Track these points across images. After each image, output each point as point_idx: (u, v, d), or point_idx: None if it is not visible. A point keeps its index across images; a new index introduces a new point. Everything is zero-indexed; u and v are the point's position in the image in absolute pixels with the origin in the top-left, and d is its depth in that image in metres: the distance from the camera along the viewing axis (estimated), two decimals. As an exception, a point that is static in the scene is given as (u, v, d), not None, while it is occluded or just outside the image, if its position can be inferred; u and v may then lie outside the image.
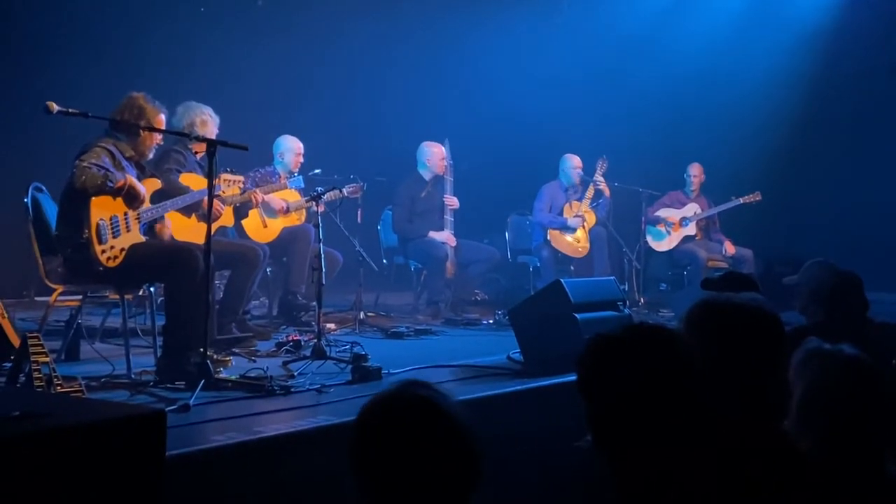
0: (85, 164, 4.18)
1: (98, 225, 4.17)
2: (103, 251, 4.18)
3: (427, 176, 7.36)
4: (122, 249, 4.26)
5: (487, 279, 8.06)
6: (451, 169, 7.44)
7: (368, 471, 1.69)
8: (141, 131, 4.41)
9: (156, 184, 4.59)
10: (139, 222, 4.37)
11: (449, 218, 7.33)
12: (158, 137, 4.53)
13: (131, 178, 4.29)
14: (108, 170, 4.24)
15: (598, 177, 7.72)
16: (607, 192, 7.78)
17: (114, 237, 4.23)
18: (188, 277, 4.13)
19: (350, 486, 1.74)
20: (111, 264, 4.22)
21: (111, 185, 4.19)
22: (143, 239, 4.41)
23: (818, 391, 2.09)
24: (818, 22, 9.53)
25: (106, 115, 4.39)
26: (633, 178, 8.17)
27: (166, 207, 4.61)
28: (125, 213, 4.31)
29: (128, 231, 4.30)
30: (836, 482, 1.91)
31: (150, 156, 4.62)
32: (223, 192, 5.15)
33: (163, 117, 4.54)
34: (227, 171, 5.17)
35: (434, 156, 7.31)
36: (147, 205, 4.46)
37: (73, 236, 4.19)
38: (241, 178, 5.30)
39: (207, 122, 5.43)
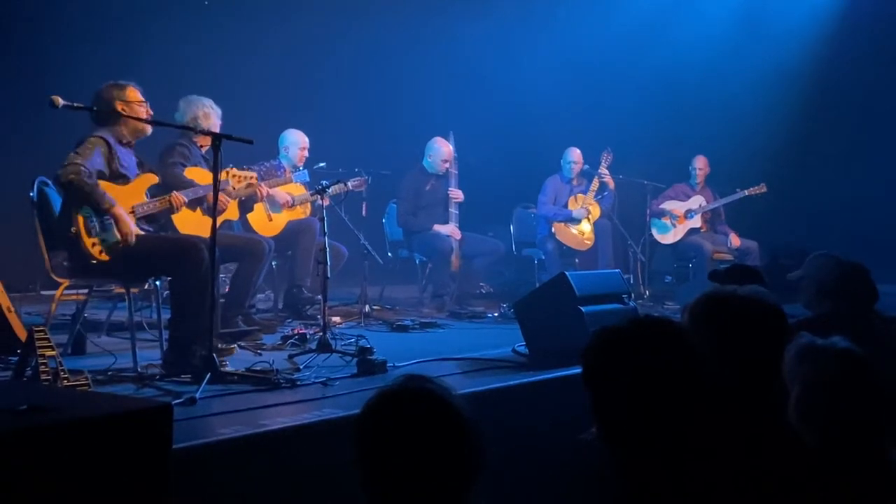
0: (79, 161, 4.18)
1: (85, 219, 4.17)
2: (93, 244, 4.18)
3: (431, 169, 7.36)
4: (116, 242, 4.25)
5: (492, 272, 8.06)
6: (456, 162, 7.43)
7: (372, 463, 1.70)
8: (122, 113, 4.39)
9: (152, 178, 4.57)
10: (134, 215, 4.36)
11: (454, 211, 7.32)
12: (141, 111, 4.48)
13: (120, 212, 4.22)
14: (99, 172, 4.24)
15: (603, 169, 7.71)
16: (612, 185, 7.77)
17: (104, 230, 4.22)
18: (193, 271, 4.13)
19: (355, 478, 1.75)
20: (103, 257, 4.21)
21: (94, 199, 4.15)
22: (140, 232, 4.40)
23: (815, 387, 2.09)
24: (824, 13, 9.50)
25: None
26: (638, 171, 8.16)
27: (155, 206, 4.56)
28: None
29: None
30: (838, 473, 1.91)
31: (150, 131, 4.58)
32: (233, 187, 5.15)
33: (133, 89, 4.48)
34: (235, 167, 5.17)
35: (437, 154, 7.29)
36: (142, 199, 4.45)
37: (65, 229, 4.20)
38: (254, 174, 5.29)
39: (210, 115, 5.44)
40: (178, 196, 4.61)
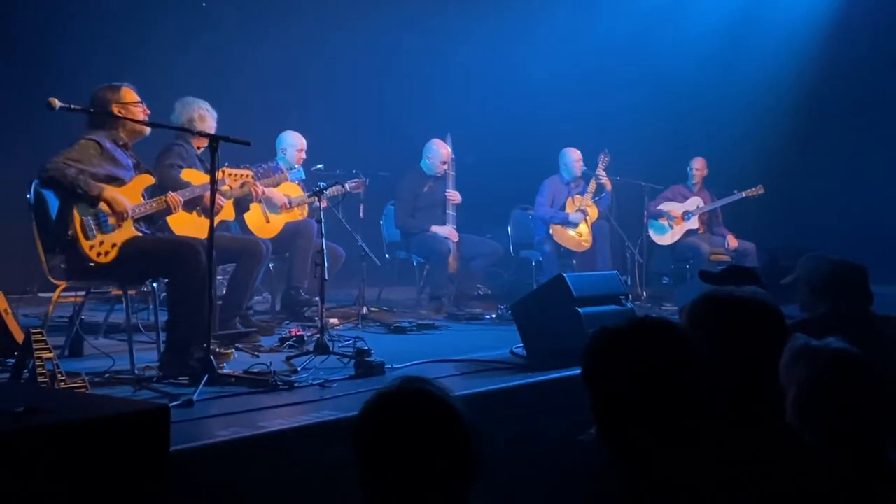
0: (60, 159, 4.17)
1: (82, 222, 4.17)
2: (91, 247, 4.17)
3: (429, 171, 7.36)
4: (114, 245, 4.24)
5: (490, 273, 8.06)
6: (454, 163, 7.43)
7: (371, 463, 1.70)
8: (118, 115, 4.37)
9: (149, 179, 4.55)
10: (131, 218, 4.34)
11: (451, 213, 7.32)
12: (137, 111, 4.46)
13: (112, 194, 4.22)
14: (91, 174, 4.22)
15: (600, 171, 7.71)
16: (609, 186, 7.77)
17: (102, 232, 4.21)
18: (191, 273, 4.13)
19: (353, 479, 1.75)
20: (102, 259, 4.20)
21: (80, 190, 4.14)
22: (139, 233, 4.39)
23: (812, 388, 2.09)
24: (821, 15, 9.52)
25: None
26: (636, 172, 8.17)
27: (152, 205, 4.54)
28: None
29: (119, 227, 4.28)
30: (838, 473, 1.91)
31: (148, 132, 4.56)
32: (228, 185, 5.14)
33: (128, 89, 4.46)
34: (230, 166, 5.15)
35: (436, 156, 7.30)
36: (139, 200, 4.45)
37: (61, 235, 4.19)
38: (249, 171, 5.28)
39: (206, 117, 5.44)
40: (175, 196, 4.59)
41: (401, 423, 1.71)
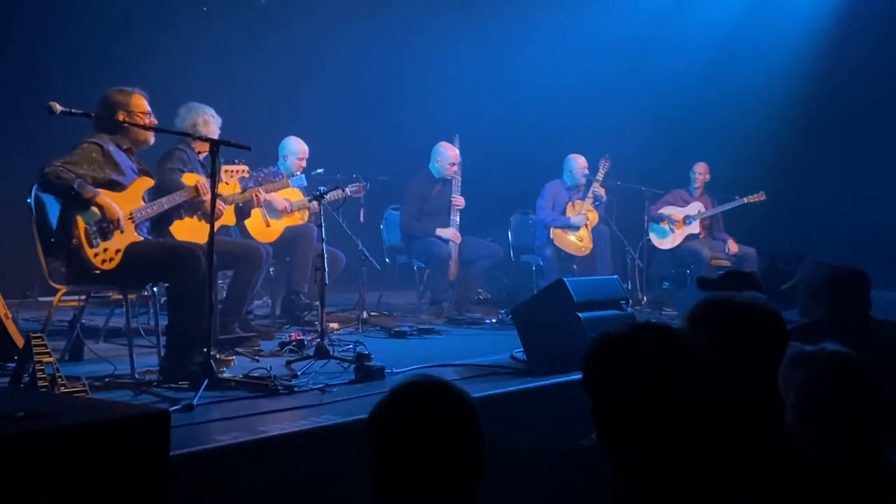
0: (59, 162, 4.17)
1: (86, 229, 4.17)
2: (96, 254, 4.18)
3: (438, 174, 7.35)
4: (118, 251, 4.24)
5: (490, 278, 8.05)
6: (460, 167, 7.43)
7: (384, 455, 1.72)
8: (125, 121, 4.37)
9: (148, 182, 4.55)
10: (133, 222, 4.35)
11: (455, 218, 7.31)
12: (147, 120, 4.47)
13: (105, 199, 4.20)
14: (93, 178, 4.22)
15: (599, 177, 7.70)
16: (603, 193, 7.76)
17: (104, 239, 4.22)
18: (191, 277, 4.13)
19: (354, 483, 1.75)
20: (107, 266, 4.20)
21: (73, 192, 4.13)
22: (140, 238, 4.39)
23: (810, 391, 2.09)
24: (821, 19, 9.52)
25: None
26: (637, 177, 8.17)
27: (162, 205, 4.53)
28: None
29: (121, 232, 4.27)
30: (837, 477, 1.91)
31: (152, 141, 4.56)
32: (226, 182, 5.14)
33: (139, 96, 4.45)
34: (226, 163, 5.14)
35: (444, 159, 7.28)
36: (140, 204, 4.45)
37: (65, 243, 4.19)
38: (245, 167, 5.25)
39: (209, 123, 5.44)
40: (204, 183, 4.60)
41: (418, 415, 1.73)
